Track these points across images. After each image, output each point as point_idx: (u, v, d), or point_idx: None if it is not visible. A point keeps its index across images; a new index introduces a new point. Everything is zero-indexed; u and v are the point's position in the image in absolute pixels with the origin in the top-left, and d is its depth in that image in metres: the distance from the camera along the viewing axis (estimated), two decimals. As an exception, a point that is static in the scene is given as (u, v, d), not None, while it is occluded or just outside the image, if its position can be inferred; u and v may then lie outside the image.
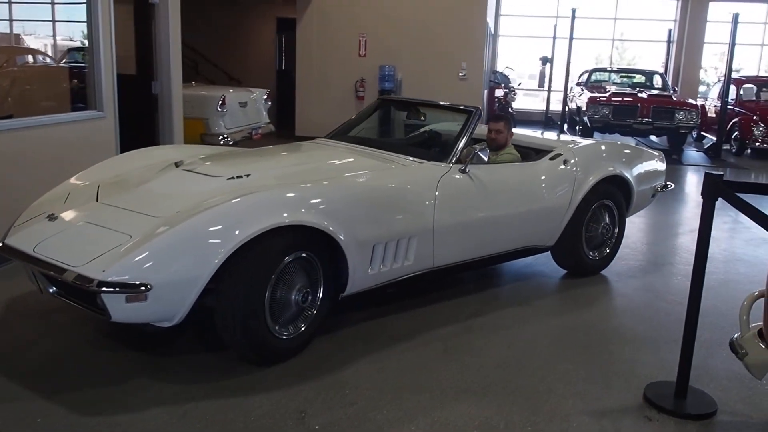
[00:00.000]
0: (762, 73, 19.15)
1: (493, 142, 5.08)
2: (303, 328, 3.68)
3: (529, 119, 16.70)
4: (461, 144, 4.54)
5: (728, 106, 13.52)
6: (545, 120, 16.51)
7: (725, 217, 7.41)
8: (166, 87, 7.32)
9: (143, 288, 3.03)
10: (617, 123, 13.16)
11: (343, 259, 3.69)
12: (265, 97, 11.04)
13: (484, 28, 12.73)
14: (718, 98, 15.09)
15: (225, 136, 9.46)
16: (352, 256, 3.69)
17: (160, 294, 3.09)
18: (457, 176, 4.34)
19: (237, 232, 3.24)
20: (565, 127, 15.06)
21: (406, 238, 4.01)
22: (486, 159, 4.41)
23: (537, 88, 16.97)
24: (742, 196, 3.10)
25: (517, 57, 20.23)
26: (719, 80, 16.30)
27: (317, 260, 3.64)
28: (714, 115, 14.77)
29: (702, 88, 18.78)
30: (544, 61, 16.12)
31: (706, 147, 14.26)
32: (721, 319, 4.56)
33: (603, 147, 5.61)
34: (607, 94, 13.71)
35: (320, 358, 3.72)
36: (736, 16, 12.57)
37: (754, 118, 13.42)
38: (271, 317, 3.48)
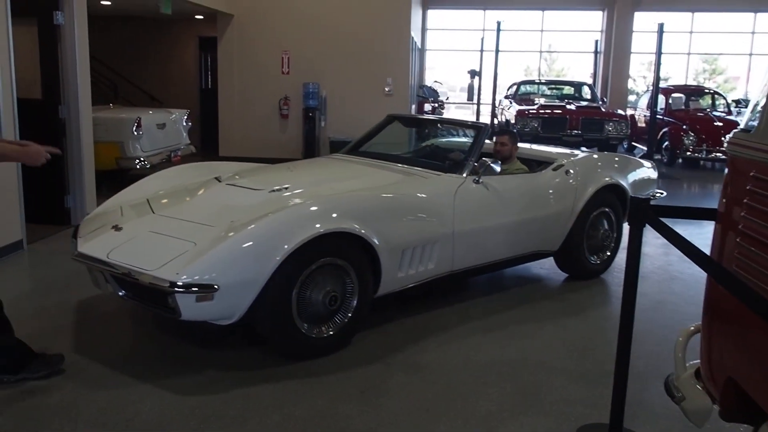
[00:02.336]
0: (690, 82, 19.83)
1: (498, 154, 5.63)
2: (333, 330, 4.12)
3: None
4: (474, 157, 5.03)
5: (658, 116, 13.80)
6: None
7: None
8: (74, 111, 7.21)
9: (211, 288, 3.50)
10: (547, 136, 13.45)
11: (376, 264, 4.17)
12: (186, 117, 10.98)
13: (408, 43, 12.93)
14: (648, 108, 15.40)
15: (142, 159, 9.36)
16: (384, 260, 4.18)
17: (224, 294, 3.55)
18: (472, 186, 4.87)
19: (291, 238, 3.72)
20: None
21: (430, 244, 4.51)
22: (498, 170, 4.91)
23: (466, 101, 17.30)
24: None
25: (447, 71, 20.62)
26: (648, 90, 16.77)
27: (351, 267, 4.09)
28: (644, 125, 15.17)
29: (631, 98, 19.39)
30: (473, 74, 16.47)
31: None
32: (657, 346, 4.48)
33: (600, 158, 6.20)
34: (535, 107, 14.08)
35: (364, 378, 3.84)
36: (661, 26, 12.85)
37: (684, 127, 13.80)
38: (299, 315, 3.92)
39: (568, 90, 16.21)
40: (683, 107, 15.16)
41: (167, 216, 4.26)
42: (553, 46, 20.58)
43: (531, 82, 16.75)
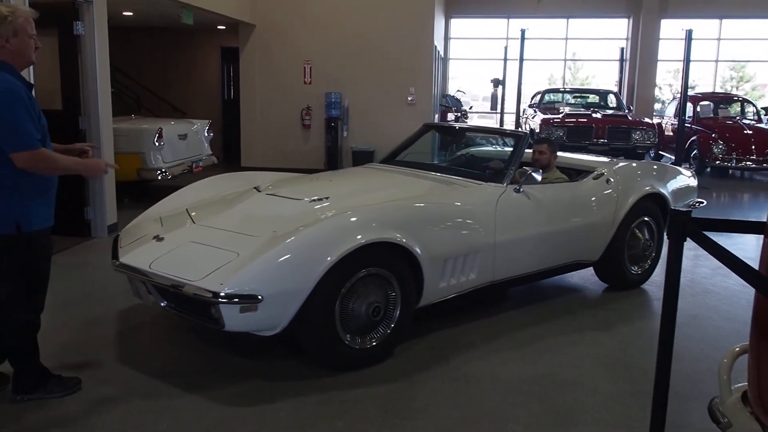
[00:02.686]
0: (717, 90, 19.48)
1: (536, 162, 5.60)
2: (376, 341, 4.08)
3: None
4: (514, 166, 5.01)
5: (686, 124, 13.50)
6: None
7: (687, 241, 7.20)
8: (95, 122, 7.15)
9: (255, 299, 3.48)
10: (572, 145, 13.22)
11: (418, 274, 4.13)
12: (207, 128, 10.92)
13: (431, 52, 12.78)
14: (675, 116, 15.03)
15: (163, 170, 9.29)
16: (427, 270, 4.14)
17: (268, 305, 3.52)
18: (513, 196, 4.82)
19: (334, 248, 3.70)
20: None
21: (472, 254, 4.46)
22: (539, 179, 4.86)
23: (490, 110, 17.11)
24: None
25: (470, 80, 20.42)
26: (675, 98, 16.53)
27: (394, 277, 4.05)
28: (671, 134, 14.91)
29: (657, 106, 19.08)
30: (496, 83, 16.27)
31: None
32: (695, 363, 4.28)
33: (641, 166, 6.14)
34: (560, 116, 13.85)
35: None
36: (689, 33, 12.58)
37: (713, 135, 13.52)
38: (342, 326, 3.89)
39: (593, 98, 15.95)
40: (712, 115, 14.88)
41: (208, 226, 4.26)
42: (577, 54, 20.30)
43: (555, 91, 16.51)
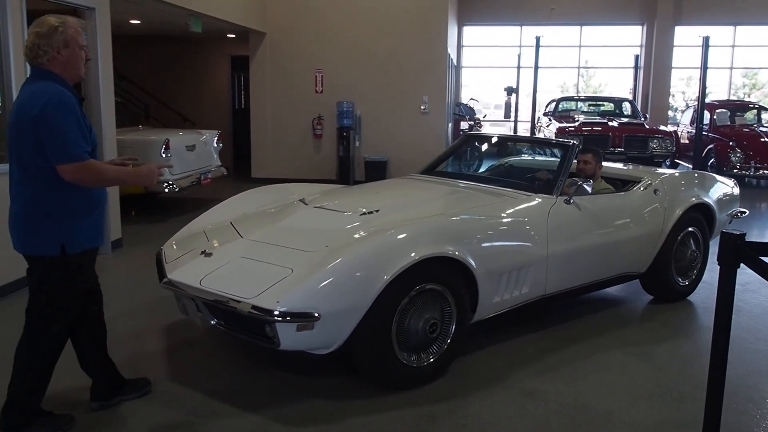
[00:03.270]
0: (732, 97, 19.03)
1: (581, 172, 5.45)
2: (432, 358, 3.91)
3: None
4: (564, 176, 4.84)
5: (702, 132, 13.06)
6: (514, 152, 16.20)
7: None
8: (98, 133, 6.73)
9: (313, 318, 3.34)
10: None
11: (473, 289, 3.98)
12: (216, 138, 10.53)
13: (445, 60, 12.38)
14: (691, 124, 14.74)
15: (171, 182, 8.87)
16: (482, 284, 3.99)
17: (325, 323, 3.38)
18: (564, 207, 4.67)
19: (391, 264, 3.55)
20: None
21: (525, 267, 4.29)
22: (590, 190, 4.72)
23: (503, 119, 16.67)
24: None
25: (482, 88, 20.02)
26: (689, 106, 16.10)
27: (450, 292, 3.89)
28: (687, 142, 14.47)
29: (670, 114, 18.63)
30: (509, 91, 15.87)
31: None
32: (745, 389, 3.92)
33: (684, 176, 6.03)
34: (576, 124, 13.40)
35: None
36: (706, 40, 12.17)
37: (731, 143, 13.06)
38: (398, 344, 3.72)
39: (608, 106, 15.48)
40: (728, 123, 14.40)
41: (258, 241, 4.10)
42: (590, 62, 19.84)
43: (570, 99, 16.04)
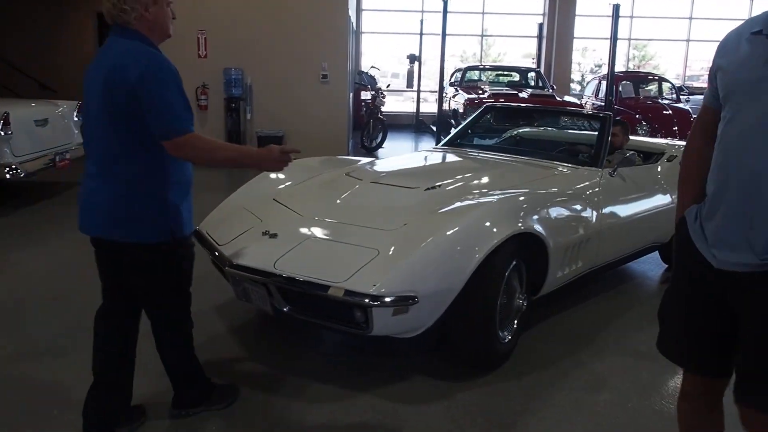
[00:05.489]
0: (627, 68, 18.40)
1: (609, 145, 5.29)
2: (511, 334, 3.72)
3: (397, 123, 14.68)
4: (605, 149, 4.73)
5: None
6: (416, 123, 14.60)
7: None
8: None
9: (411, 300, 3.09)
10: (499, 127, 11.41)
11: (544, 264, 3.79)
12: (77, 110, 8.37)
13: (347, 23, 10.60)
14: (595, 96, 14.04)
15: (14, 166, 6.77)
16: (553, 259, 3.80)
17: (421, 306, 3.13)
18: (610, 179, 4.54)
19: (484, 242, 3.32)
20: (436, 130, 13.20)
21: (584, 240, 4.15)
22: (635, 162, 4.82)
23: (406, 88, 15.00)
24: None
25: (381, 55, 18.32)
26: (595, 76, 15.23)
27: (525, 269, 3.73)
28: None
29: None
30: (412, 59, 14.20)
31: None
32: None
33: None
34: (485, 95, 11.96)
35: None
36: (616, 8, 11.20)
37: (637, 116, 12.19)
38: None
39: (514, 77, 14.13)
40: (633, 95, 13.65)
41: (325, 219, 3.75)
42: (489, 30, 18.41)
43: (476, 68, 14.60)
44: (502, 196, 3.82)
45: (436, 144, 6.68)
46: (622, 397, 3.38)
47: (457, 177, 4.34)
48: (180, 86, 2.54)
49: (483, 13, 17.15)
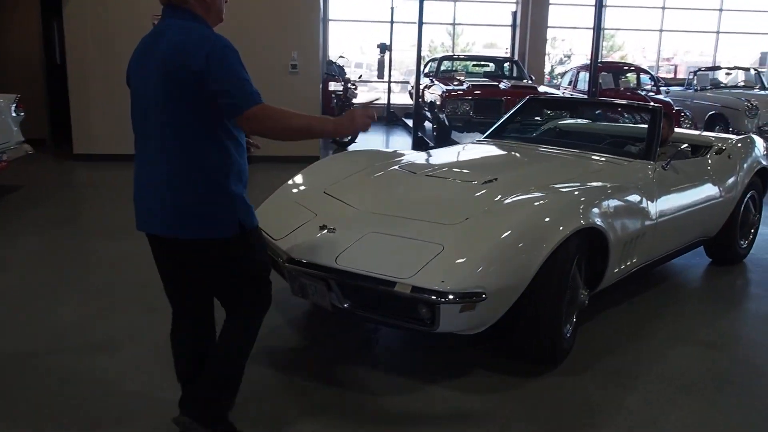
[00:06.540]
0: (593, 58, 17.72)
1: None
2: (571, 328, 3.63)
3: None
4: (657, 141, 4.59)
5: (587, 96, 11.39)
6: (388, 116, 13.63)
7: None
8: None
9: (480, 297, 3.01)
10: (480, 121, 10.54)
11: (603, 259, 3.71)
12: (15, 105, 7.23)
13: (318, 10, 9.57)
14: (573, 87, 13.33)
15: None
16: (613, 254, 3.72)
17: (489, 302, 3.06)
18: (664, 173, 4.42)
19: (550, 237, 3.24)
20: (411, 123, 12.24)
21: (641, 235, 4.03)
22: (688, 155, 4.72)
23: (377, 79, 13.97)
24: None
25: (346, 45, 17.32)
26: (573, 68, 14.50)
27: (585, 264, 3.62)
28: (572, 105, 12.76)
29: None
30: (383, 48, 13.20)
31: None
32: None
33: (748, 141, 5.76)
34: (464, 87, 11.05)
35: None
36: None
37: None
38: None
39: (491, 67, 13.24)
40: (612, 86, 13.00)
41: (383, 213, 3.57)
42: (462, 19, 17.50)
43: (452, 58, 13.66)
44: (563, 190, 3.71)
45: (413, 139, 6.56)
46: (696, 387, 3.37)
47: (512, 170, 4.30)
48: (242, 63, 2.37)
49: (455, 0, 16.19)
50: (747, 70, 14.78)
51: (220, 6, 2.54)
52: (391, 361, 3.60)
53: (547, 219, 3.35)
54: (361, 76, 13.07)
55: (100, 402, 3.07)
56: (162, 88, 2.34)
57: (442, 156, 5.00)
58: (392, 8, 13.24)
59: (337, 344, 3.76)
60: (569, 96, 9.60)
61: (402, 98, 15.49)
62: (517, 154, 4.87)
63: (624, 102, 6.22)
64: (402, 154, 4.79)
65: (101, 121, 9.14)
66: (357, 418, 3.00)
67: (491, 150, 5.06)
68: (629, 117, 6.41)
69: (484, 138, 5.30)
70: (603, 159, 4.54)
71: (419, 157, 4.79)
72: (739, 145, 5.53)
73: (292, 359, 3.57)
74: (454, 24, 16.67)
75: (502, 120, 5.48)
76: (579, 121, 6.05)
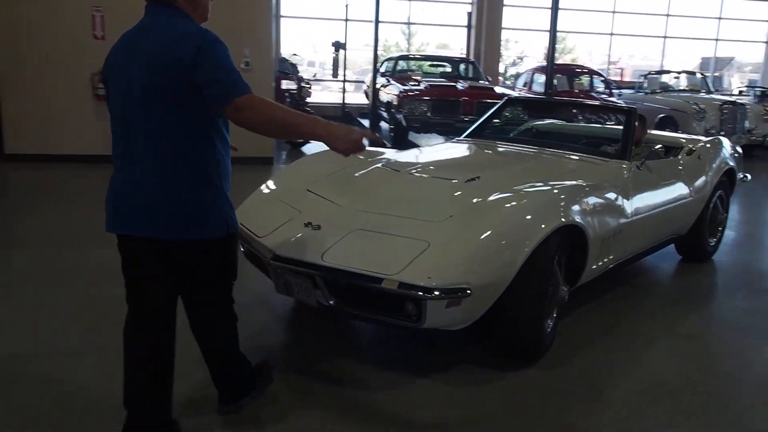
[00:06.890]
0: (543, 62, 17.73)
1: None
2: (552, 324, 3.66)
3: (322, 115, 13.12)
4: (632, 142, 4.70)
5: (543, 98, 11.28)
6: (343, 115, 13.21)
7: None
8: None
9: (464, 293, 3.03)
10: (438, 121, 10.27)
11: (583, 256, 3.77)
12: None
13: (269, 5, 9.10)
14: (528, 88, 13.19)
15: None
16: (592, 251, 3.80)
17: (474, 298, 3.09)
18: (639, 172, 4.52)
19: (533, 234, 3.29)
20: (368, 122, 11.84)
21: (617, 232, 4.10)
22: (661, 156, 4.97)
23: (332, 78, 13.52)
24: None
25: (299, 42, 16.84)
26: (528, 70, 14.39)
27: (565, 261, 3.67)
28: (527, 108, 12.58)
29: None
30: (338, 46, 12.78)
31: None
32: None
33: (716, 142, 5.84)
34: (422, 87, 10.72)
35: None
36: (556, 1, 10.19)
37: (574, 110, 11.24)
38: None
39: (447, 67, 12.96)
40: (567, 88, 13.02)
41: (368, 211, 3.56)
42: (416, 18, 17.19)
43: (408, 58, 13.33)
44: (544, 188, 3.77)
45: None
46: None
47: (494, 169, 4.38)
48: (231, 58, 2.36)
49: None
50: (694, 74, 14.97)
51: (206, 4, 2.52)
52: (377, 356, 3.64)
53: (528, 216, 3.39)
54: (315, 75, 12.61)
55: (81, 406, 2.98)
56: (150, 83, 2.30)
57: (424, 154, 5.02)
58: (346, 5, 12.85)
59: (322, 340, 3.79)
60: (544, 98, 9.47)
61: (357, 98, 15.09)
62: (498, 153, 4.93)
63: (598, 104, 6.53)
64: (383, 152, 4.79)
65: (35, 120, 8.48)
66: (347, 412, 3.03)
67: (472, 149, 5.14)
68: (600, 117, 6.46)
69: (464, 137, 5.34)
70: (580, 158, 4.61)
71: (405, 156, 4.80)
72: (709, 146, 5.68)
73: (285, 357, 3.58)
74: (409, 23, 16.37)
75: (482, 119, 5.54)
76: (556, 121, 6.20)
